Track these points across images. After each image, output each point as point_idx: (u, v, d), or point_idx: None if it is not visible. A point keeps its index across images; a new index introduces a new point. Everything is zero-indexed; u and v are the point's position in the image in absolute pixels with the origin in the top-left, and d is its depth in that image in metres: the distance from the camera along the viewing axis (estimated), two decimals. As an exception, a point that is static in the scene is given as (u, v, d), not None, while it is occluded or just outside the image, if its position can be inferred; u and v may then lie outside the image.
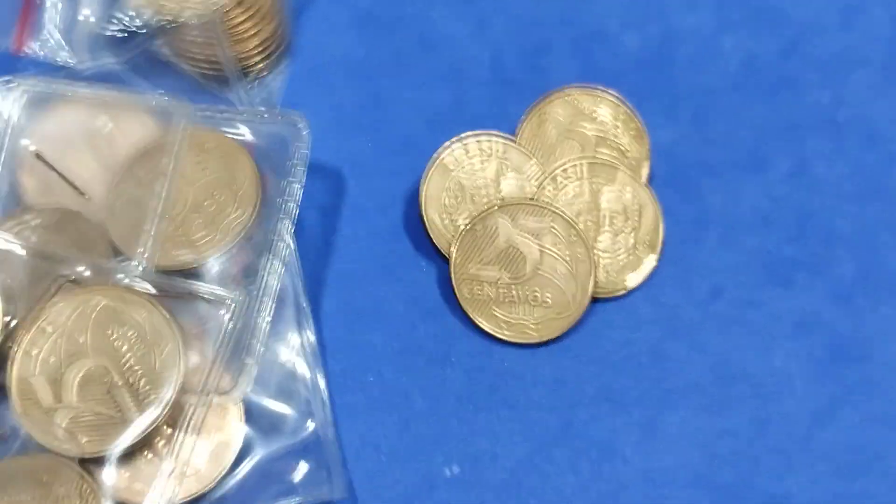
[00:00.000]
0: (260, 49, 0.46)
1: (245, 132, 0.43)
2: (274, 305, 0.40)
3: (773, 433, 0.42)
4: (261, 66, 0.46)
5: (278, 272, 0.40)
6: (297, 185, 0.41)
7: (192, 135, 0.42)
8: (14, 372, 0.37)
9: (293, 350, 0.41)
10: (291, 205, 0.41)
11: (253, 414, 0.40)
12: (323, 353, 0.42)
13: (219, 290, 0.39)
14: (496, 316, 0.43)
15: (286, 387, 0.41)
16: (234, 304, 0.39)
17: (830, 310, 0.44)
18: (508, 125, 0.46)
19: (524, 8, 0.49)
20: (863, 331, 0.43)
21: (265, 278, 0.40)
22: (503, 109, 0.47)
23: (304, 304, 0.42)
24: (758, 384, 0.42)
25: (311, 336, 0.42)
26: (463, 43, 0.48)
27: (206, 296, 0.39)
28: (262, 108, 0.45)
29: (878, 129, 0.47)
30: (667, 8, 0.49)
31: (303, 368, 0.41)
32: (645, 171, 0.45)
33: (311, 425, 0.40)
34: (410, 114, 0.47)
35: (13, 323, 0.39)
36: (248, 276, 0.41)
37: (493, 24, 0.48)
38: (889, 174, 0.46)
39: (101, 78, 0.44)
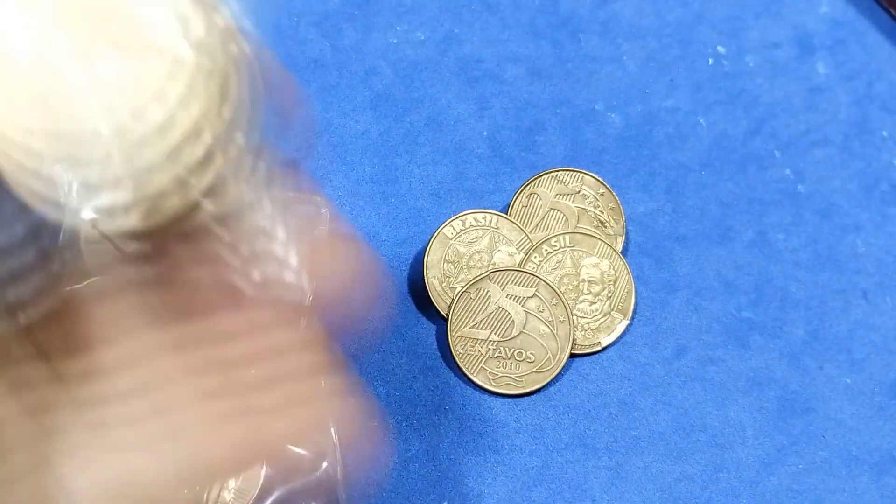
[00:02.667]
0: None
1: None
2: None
3: (726, 479, 0.44)
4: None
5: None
6: (319, 262, 0.45)
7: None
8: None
9: (309, 398, 0.45)
10: (314, 280, 0.44)
11: (273, 455, 0.43)
12: (335, 401, 0.46)
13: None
14: (486, 370, 0.45)
15: (303, 431, 0.44)
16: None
17: (781, 368, 0.46)
18: (503, 196, 0.49)
19: (520, 91, 0.51)
20: (809, 388, 0.45)
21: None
22: (499, 183, 0.49)
23: (321, 357, 0.46)
24: (714, 434, 0.45)
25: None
26: (466, 122, 0.50)
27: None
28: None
29: (834, 203, 0.49)
30: (649, 90, 0.51)
31: (317, 415, 0.44)
32: (620, 242, 0.47)
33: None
34: (418, 187, 0.49)
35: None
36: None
37: (493, 105, 0.50)
38: (841, 244, 0.48)
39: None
